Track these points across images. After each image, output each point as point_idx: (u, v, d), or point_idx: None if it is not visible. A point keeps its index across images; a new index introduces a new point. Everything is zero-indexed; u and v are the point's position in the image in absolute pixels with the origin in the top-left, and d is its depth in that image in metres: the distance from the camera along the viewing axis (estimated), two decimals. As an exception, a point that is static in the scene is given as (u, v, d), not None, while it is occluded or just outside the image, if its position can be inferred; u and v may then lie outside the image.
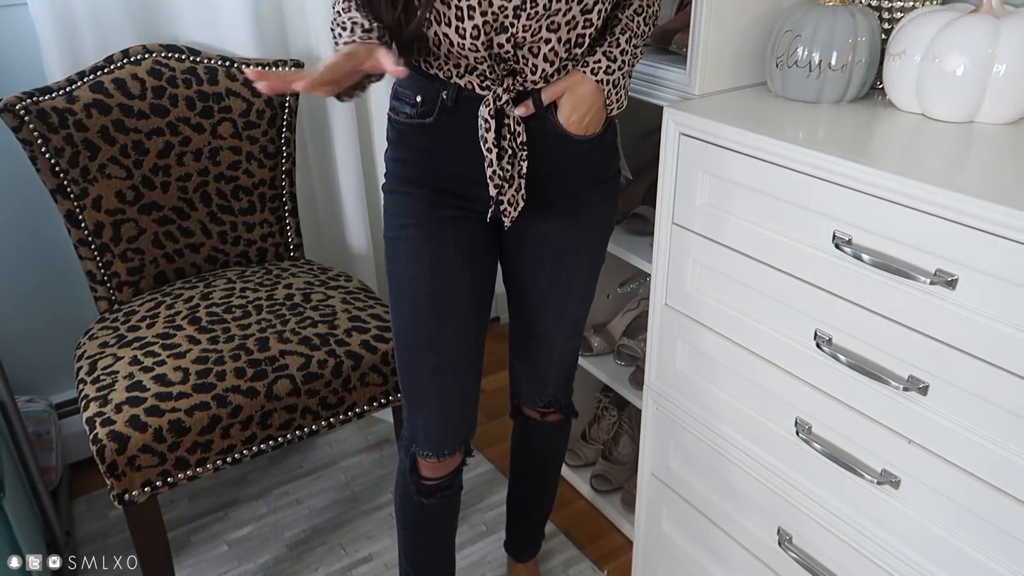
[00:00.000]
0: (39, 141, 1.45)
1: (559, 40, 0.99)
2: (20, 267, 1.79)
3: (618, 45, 1.05)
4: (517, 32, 0.96)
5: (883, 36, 1.15)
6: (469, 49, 0.98)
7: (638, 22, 1.07)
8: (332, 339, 1.45)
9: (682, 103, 1.17)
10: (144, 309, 1.54)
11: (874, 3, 1.16)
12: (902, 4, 1.14)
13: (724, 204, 1.11)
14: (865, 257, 0.93)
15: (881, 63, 1.13)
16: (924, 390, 0.92)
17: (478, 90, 1.03)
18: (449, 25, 0.96)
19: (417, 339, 1.14)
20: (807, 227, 1.00)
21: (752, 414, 1.16)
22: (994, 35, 0.97)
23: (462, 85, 1.03)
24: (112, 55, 1.57)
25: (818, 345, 1.02)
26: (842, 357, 0.99)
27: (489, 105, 1.01)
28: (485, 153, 1.03)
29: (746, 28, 1.19)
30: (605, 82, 1.05)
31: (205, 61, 1.64)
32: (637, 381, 1.61)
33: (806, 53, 1.11)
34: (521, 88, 1.03)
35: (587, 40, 1.02)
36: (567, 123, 1.06)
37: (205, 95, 1.62)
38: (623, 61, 1.06)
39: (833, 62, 1.10)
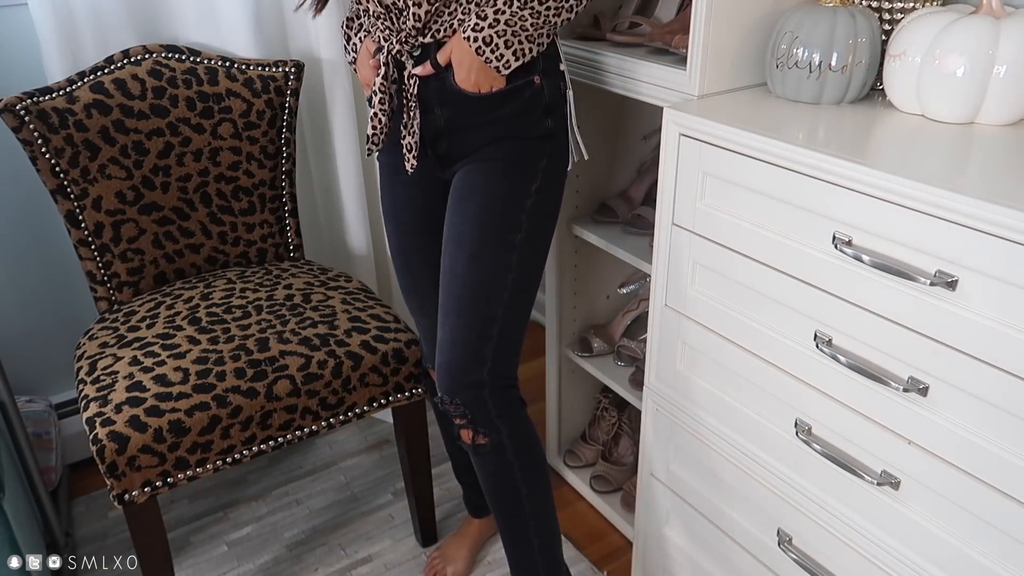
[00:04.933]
0: (39, 141, 1.45)
1: None
2: (20, 267, 1.79)
3: (493, 5, 1.09)
4: None
5: (883, 37, 1.15)
6: None
7: None
8: (332, 340, 1.45)
9: (682, 104, 1.17)
10: (144, 309, 1.54)
11: (874, 4, 1.16)
12: (902, 5, 1.14)
13: (724, 205, 1.11)
14: (865, 258, 0.93)
15: (881, 64, 1.13)
16: (924, 391, 0.92)
17: (382, 43, 1.17)
18: None
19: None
20: (807, 228, 1.00)
21: (752, 415, 1.16)
22: (994, 36, 0.97)
23: (381, 42, 1.18)
24: (112, 55, 1.57)
25: (818, 346, 1.02)
26: (842, 358, 0.99)
27: (385, 53, 1.17)
28: (373, 94, 1.19)
29: (746, 29, 1.19)
30: (472, 39, 1.10)
31: (205, 62, 1.64)
32: (637, 382, 1.61)
33: (806, 54, 1.11)
34: (414, 42, 1.15)
35: None
36: (458, 80, 1.15)
37: (205, 96, 1.63)
38: (496, 19, 1.09)
39: (833, 63, 1.10)
